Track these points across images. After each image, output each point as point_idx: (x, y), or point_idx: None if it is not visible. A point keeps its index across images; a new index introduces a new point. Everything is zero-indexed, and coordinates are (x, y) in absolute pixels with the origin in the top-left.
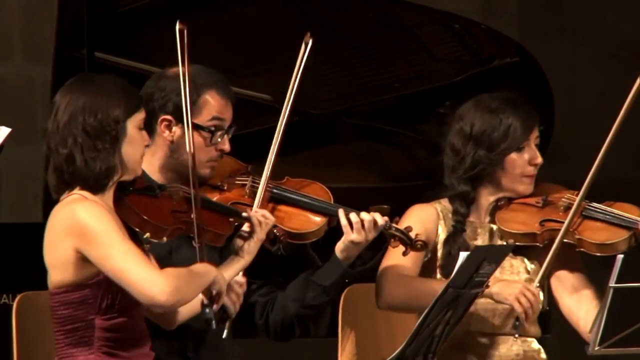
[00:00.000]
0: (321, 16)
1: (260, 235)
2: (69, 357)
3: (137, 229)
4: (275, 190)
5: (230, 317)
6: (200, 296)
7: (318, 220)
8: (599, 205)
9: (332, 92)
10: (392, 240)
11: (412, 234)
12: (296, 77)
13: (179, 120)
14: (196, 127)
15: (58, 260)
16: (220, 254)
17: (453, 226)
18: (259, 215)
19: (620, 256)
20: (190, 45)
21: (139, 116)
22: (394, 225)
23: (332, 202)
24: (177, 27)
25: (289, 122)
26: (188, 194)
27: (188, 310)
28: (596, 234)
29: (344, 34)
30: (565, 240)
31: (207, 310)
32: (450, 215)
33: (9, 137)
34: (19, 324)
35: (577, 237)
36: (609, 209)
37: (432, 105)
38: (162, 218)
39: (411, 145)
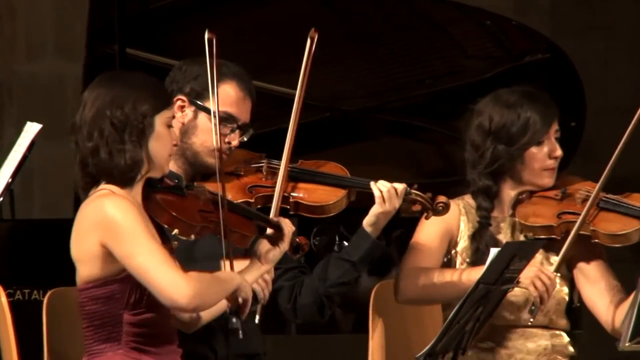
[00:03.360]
0: (354, 13)
1: (285, 246)
2: (98, 353)
3: (166, 226)
4: (292, 170)
5: (260, 302)
6: (225, 302)
7: (338, 193)
8: (614, 197)
9: (364, 88)
10: (414, 205)
11: (432, 199)
12: (305, 72)
13: (193, 102)
14: (206, 111)
15: (85, 255)
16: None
17: (478, 222)
18: (287, 224)
19: None
20: (221, 42)
21: (168, 113)
22: (413, 190)
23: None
24: (206, 36)
25: (322, 118)
26: (214, 195)
27: (208, 314)
28: (610, 225)
29: (377, 31)
30: (580, 232)
31: (234, 320)
32: (473, 211)
33: (39, 134)
34: (49, 320)
35: (592, 228)
36: (624, 200)
37: (463, 101)
38: (191, 216)
39: (443, 142)
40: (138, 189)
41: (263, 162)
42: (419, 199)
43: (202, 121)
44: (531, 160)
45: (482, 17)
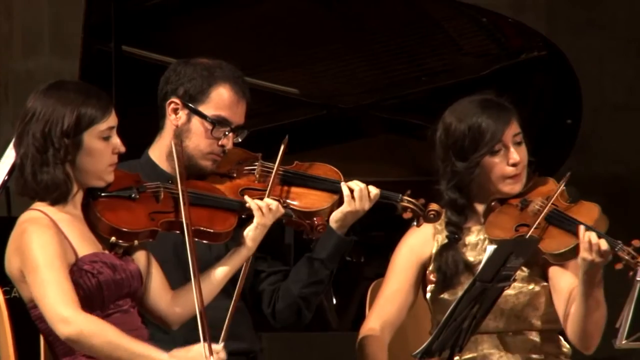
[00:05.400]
0: (349, 10)
1: (260, 220)
2: None
3: (103, 234)
4: (285, 173)
5: None
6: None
7: (329, 198)
8: (559, 211)
9: (360, 86)
10: (405, 212)
11: (425, 206)
12: (275, 172)
13: (186, 105)
14: (199, 115)
15: (13, 277)
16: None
17: (447, 236)
18: (258, 202)
19: None
20: (218, 39)
21: (102, 126)
22: (405, 197)
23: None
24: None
25: (318, 116)
26: (173, 192)
27: (188, 310)
28: (550, 243)
29: (372, 28)
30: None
31: None
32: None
33: None
34: None
35: (539, 245)
36: (567, 215)
37: (459, 98)
38: (133, 221)
39: None
40: (75, 202)
41: (256, 164)
42: (410, 205)
43: (195, 125)
44: (489, 169)
45: (478, 14)
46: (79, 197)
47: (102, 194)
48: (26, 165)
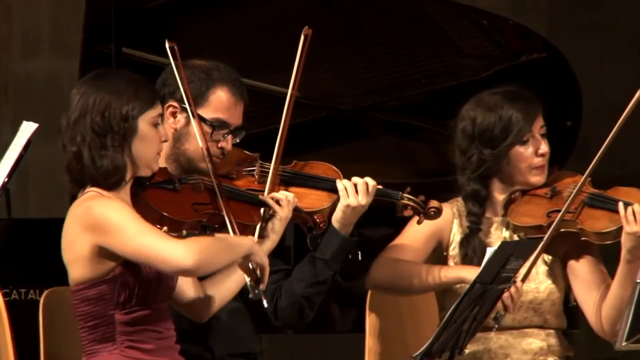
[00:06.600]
0: (349, 11)
1: (282, 213)
2: (94, 353)
3: (154, 224)
4: (284, 173)
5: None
6: (235, 286)
7: (329, 197)
8: (601, 192)
9: (360, 87)
10: (405, 209)
11: (425, 203)
12: (298, 69)
13: (185, 109)
14: (199, 118)
15: (75, 257)
16: None
17: (468, 227)
18: (276, 195)
19: None
20: (218, 41)
21: (152, 113)
22: (405, 195)
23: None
24: (167, 45)
25: (318, 117)
26: (211, 184)
27: (220, 299)
28: (596, 222)
29: (372, 30)
30: (570, 230)
31: (256, 291)
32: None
33: (36, 133)
34: (46, 319)
35: (579, 226)
36: (609, 195)
37: (459, 100)
38: (180, 211)
39: (439, 141)
40: (126, 189)
41: (255, 165)
42: (410, 203)
43: (194, 128)
44: (518, 159)
45: (478, 16)
46: (127, 188)
47: (149, 184)
48: (84, 150)
